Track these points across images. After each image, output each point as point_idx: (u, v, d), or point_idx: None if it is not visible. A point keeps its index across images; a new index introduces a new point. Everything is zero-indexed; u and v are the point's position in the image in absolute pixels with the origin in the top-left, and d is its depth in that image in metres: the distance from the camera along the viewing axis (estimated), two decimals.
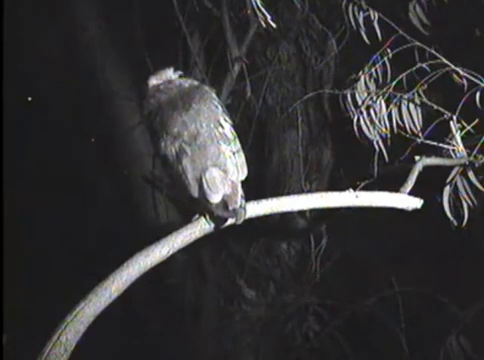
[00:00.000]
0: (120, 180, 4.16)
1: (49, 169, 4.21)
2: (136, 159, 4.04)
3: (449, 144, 2.44)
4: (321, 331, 3.84)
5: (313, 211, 3.70)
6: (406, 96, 2.63)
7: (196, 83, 2.13)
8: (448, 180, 2.38)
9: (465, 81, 2.54)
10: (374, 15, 2.81)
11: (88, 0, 4.04)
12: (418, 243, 3.69)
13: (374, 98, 2.68)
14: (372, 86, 2.73)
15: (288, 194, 2.08)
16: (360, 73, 2.74)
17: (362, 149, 2.80)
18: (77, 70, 4.04)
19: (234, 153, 1.98)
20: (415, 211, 2.21)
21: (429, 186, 2.29)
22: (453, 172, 2.37)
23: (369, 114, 2.68)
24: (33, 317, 3.83)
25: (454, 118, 2.49)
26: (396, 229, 3.56)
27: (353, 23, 2.85)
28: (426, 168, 2.31)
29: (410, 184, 2.22)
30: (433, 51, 2.59)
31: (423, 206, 2.20)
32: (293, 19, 3.88)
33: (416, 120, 2.65)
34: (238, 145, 2.01)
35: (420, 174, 2.27)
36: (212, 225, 1.91)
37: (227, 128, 2.02)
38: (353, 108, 2.72)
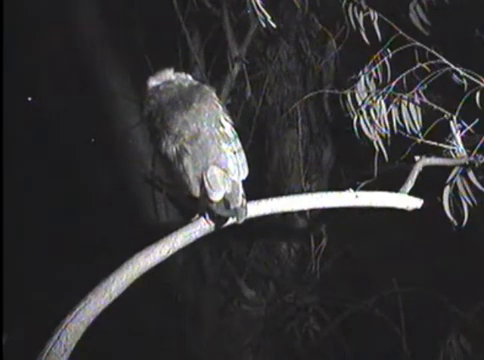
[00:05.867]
0: (120, 180, 4.16)
1: (49, 169, 4.21)
2: (136, 159, 4.04)
3: (449, 144, 2.44)
4: (321, 331, 3.84)
5: (313, 211, 3.70)
6: (406, 96, 2.64)
7: (196, 83, 2.13)
8: (448, 180, 2.37)
9: (465, 81, 2.55)
10: (374, 15, 2.81)
11: (89, 0, 4.04)
12: (418, 243, 3.69)
13: (374, 98, 2.68)
14: (372, 86, 2.73)
15: (288, 194, 2.08)
16: (360, 73, 2.74)
17: (362, 149, 2.80)
18: (77, 70, 4.04)
19: (235, 152, 1.98)
20: (415, 211, 2.21)
21: (429, 186, 2.28)
22: (453, 172, 2.37)
23: (369, 114, 2.68)
24: (33, 317, 3.83)
25: (454, 118, 2.49)
26: (396, 229, 3.56)
27: (353, 23, 2.85)
28: (426, 168, 2.31)
29: (410, 184, 2.22)
30: (433, 51, 2.60)
31: (423, 206, 2.20)
32: (293, 19, 3.88)
33: (416, 120, 2.66)
34: (239, 144, 2.01)
35: (420, 174, 2.27)
36: (212, 225, 1.91)
37: (228, 127, 2.02)
38: (353, 108, 2.72)
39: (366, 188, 2.43)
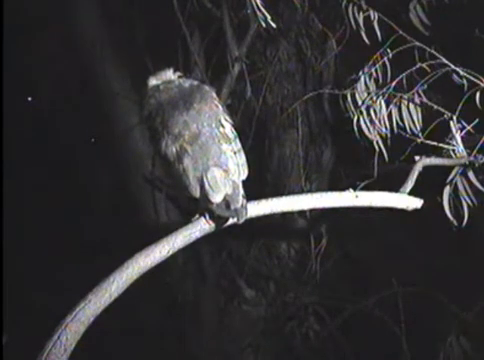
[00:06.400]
0: (120, 180, 4.16)
1: (49, 169, 4.21)
2: (136, 159, 4.04)
3: (449, 144, 2.44)
4: (321, 331, 3.84)
5: (313, 211, 3.70)
6: (406, 96, 2.64)
7: (196, 83, 2.13)
8: (448, 180, 2.38)
9: (465, 81, 2.55)
10: (374, 15, 2.81)
11: (89, 0, 4.04)
12: (418, 243, 3.69)
13: (374, 98, 2.68)
14: (372, 86, 2.73)
15: (288, 194, 2.08)
16: (360, 73, 2.74)
17: (362, 149, 2.80)
18: (77, 70, 4.04)
19: (235, 153, 1.98)
20: (415, 211, 2.21)
21: (429, 186, 2.28)
22: (453, 172, 2.37)
23: (369, 114, 2.68)
24: (33, 317, 3.83)
25: (454, 118, 2.49)
26: (396, 229, 3.56)
27: (353, 23, 2.85)
28: (426, 168, 2.31)
29: (410, 184, 2.22)
30: (433, 51, 2.60)
31: (423, 206, 2.20)
32: (293, 19, 3.88)
33: (416, 120, 2.66)
34: (239, 145, 2.01)
35: (420, 174, 2.27)
36: (212, 225, 1.91)
37: (228, 128, 2.02)
38: (353, 108, 2.72)
39: (366, 188, 2.42)
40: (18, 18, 3.91)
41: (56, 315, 1.74)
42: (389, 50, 2.69)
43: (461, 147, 2.42)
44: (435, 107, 2.58)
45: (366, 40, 2.83)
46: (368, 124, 2.68)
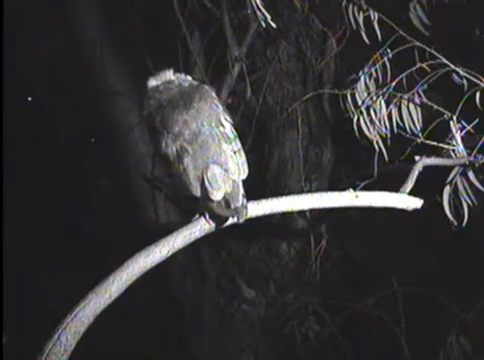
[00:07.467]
0: (120, 180, 4.16)
1: (49, 169, 4.21)
2: (136, 159, 4.04)
3: (449, 144, 2.44)
4: (321, 331, 3.84)
5: (313, 211, 3.70)
6: (406, 96, 2.64)
7: (196, 83, 2.13)
8: (448, 180, 2.38)
9: (465, 81, 2.55)
10: (374, 15, 2.81)
11: (89, 0, 4.04)
12: (418, 243, 3.69)
13: (374, 98, 2.68)
14: (372, 86, 2.73)
15: (288, 194, 2.08)
16: (360, 73, 2.75)
17: (362, 149, 2.80)
18: (77, 70, 4.04)
19: (235, 152, 1.98)
20: (415, 211, 2.20)
21: (429, 186, 2.28)
22: (453, 172, 2.37)
23: (369, 114, 2.68)
24: (33, 317, 3.83)
25: (454, 118, 2.49)
26: (396, 229, 3.56)
27: (353, 23, 2.85)
28: (426, 168, 2.31)
29: (410, 184, 2.22)
30: (433, 51, 2.60)
31: (423, 206, 2.20)
32: (293, 19, 3.88)
33: (416, 120, 2.66)
34: (239, 144, 2.01)
35: (420, 174, 2.27)
36: (213, 224, 1.90)
37: (228, 127, 2.02)
38: (353, 108, 2.72)
39: (366, 188, 2.43)
40: (18, 18, 3.91)
41: (56, 315, 1.74)
42: (389, 50, 2.70)
43: (461, 147, 2.42)
44: (435, 107, 2.58)
45: (366, 40, 2.84)
46: (368, 124, 2.68)
